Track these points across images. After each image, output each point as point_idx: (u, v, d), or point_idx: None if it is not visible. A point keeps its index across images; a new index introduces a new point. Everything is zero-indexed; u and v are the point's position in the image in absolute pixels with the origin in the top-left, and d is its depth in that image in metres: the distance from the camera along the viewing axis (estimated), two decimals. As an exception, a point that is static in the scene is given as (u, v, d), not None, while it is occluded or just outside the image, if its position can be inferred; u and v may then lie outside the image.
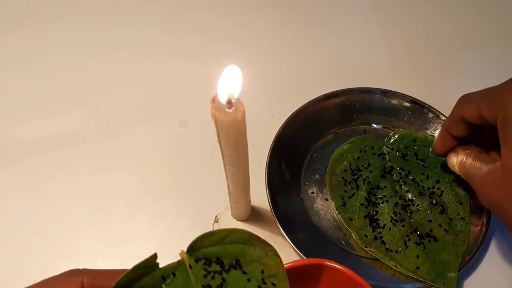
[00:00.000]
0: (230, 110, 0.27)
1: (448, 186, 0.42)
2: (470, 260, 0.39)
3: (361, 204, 0.42)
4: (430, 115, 0.47)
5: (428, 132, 0.47)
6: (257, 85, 0.51)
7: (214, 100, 0.27)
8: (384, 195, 0.43)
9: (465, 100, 0.37)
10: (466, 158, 0.37)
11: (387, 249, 0.40)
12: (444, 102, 0.50)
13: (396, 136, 0.46)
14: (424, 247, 0.40)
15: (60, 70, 0.54)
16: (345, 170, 0.44)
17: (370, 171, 0.44)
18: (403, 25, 0.58)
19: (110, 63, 0.54)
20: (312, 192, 0.45)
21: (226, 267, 0.29)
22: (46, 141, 0.48)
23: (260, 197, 0.43)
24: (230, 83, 0.27)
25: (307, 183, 0.45)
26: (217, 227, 0.43)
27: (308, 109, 0.46)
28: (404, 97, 0.48)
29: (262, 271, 0.29)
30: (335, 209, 0.43)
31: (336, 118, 0.48)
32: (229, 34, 0.57)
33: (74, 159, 0.47)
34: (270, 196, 0.42)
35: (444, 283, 0.38)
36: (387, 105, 0.48)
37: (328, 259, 0.34)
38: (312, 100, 0.47)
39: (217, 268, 0.29)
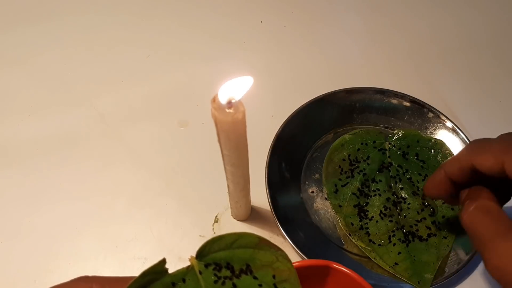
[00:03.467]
0: (230, 110, 0.27)
1: None
2: (461, 268, 0.39)
3: (353, 193, 0.43)
4: (430, 115, 0.47)
5: (428, 132, 0.47)
6: (257, 85, 0.51)
7: (214, 100, 0.27)
8: (377, 189, 0.43)
9: (480, 149, 0.32)
10: (473, 208, 0.31)
11: (370, 240, 0.40)
12: (444, 102, 0.51)
13: (400, 134, 0.46)
14: (407, 245, 0.40)
15: (60, 70, 0.54)
16: (343, 160, 0.45)
17: (368, 164, 0.44)
18: (403, 25, 0.58)
19: (110, 63, 0.54)
20: (312, 192, 0.45)
21: (237, 272, 0.28)
22: (46, 141, 0.48)
23: (260, 197, 0.43)
24: (235, 88, 0.27)
25: (307, 183, 0.45)
26: (217, 227, 0.43)
27: (308, 109, 0.46)
28: (404, 96, 0.48)
29: (274, 276, 0.29)
30: (326, 195, 0.43)
31: (336, 118, 0.48)
32: (229, 34, 0.57)
33: (74, 159, 0.47)
34: (270, 196, 0.42)
35: (419, 283, 0.38)
36: (387, 105, 0.48)
37: (328, 259, 0.34)
38: (312, 100, 0.47)
39: (228, 273, 0.28)
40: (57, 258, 0.42)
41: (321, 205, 0.44)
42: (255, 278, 0.28)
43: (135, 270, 0.41)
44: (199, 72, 0.53)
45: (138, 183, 0.46)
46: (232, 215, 0.43)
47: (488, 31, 0.57)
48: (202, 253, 0.28)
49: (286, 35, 0.57)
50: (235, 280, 0.28)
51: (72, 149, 0.48)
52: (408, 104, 0.48)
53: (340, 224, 0.41)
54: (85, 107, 0.51)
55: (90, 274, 0.41)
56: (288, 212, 0.42)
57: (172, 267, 0.43)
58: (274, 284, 0.28)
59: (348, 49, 0.56)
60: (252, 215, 0.44)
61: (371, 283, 0.33)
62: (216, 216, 0.44)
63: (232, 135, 0.29)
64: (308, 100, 0.47)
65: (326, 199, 0.44)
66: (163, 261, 0.27)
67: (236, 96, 0.27)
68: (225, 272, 0.28)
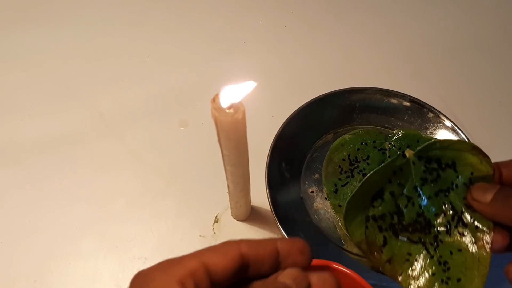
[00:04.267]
0: (230, 111, 0.27)
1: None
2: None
3: None
4: (430, 115, 0.47)
5: (428, 132, 0.47)
6: (257, 85, 0.51)
7: (214, 100, 0.27)
8: None
9: None
10: None
11: None
12: (444, 102, 0.51)
13: (400, 134, 0.46)
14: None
15: (60, 70, 0.54)
16: (343, 160, 0.45)
17: (368, 164, 0.44)
18: (403, 25, 0.58)
19: (110, 63, 0.54)
20: (312, 192, 0.45)
21: (443, 166, 0.35)
22: (46, 141, 0.48)
23: (260, 197, 0.43)
24: (236, 92, 0.27)
25: (307, 183, 0.45)
26: (217, 227, 0.43)
27: (308, 109, 0.46)
28: (404, 96, 0.48)
29: (472, 173, 0.34)
30: (326, 195, 0.43)
31: (336, 118, 0.48)
32: (229, 34, 0.57)
33: (74, 158, 0.47)
34: (270, 196, 0.42)
35: None
36: (387, 105, 0.48)
37: (328, 259, 0.34)
38: (312, 100, 0.47)
39: (435, 166, 0.36)
40: (57, 258, 0.42)
41: (321, 205, 0.44)
42: (455, 171, 0.35)
43: (135, 270, 0.41)
44: (199, 72, 0.53)
45: (138, 183, 0.46)
46: (232, 215, 0.43)
47: (488, 31, 0.57)
48: (419, 152, 0.36)
49: (286, 35, 0.57)
50: (440, 171, 0.35)
51: (72, 149, 0.48)
52: (408, 104, 0.47)
53: (340, 224, 0.41)
54: (85, 107, 0.51)
55: (90, 274, 0.41)
56: (288, 212, 0.42)
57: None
58: (470, 179, 0.34)
59: (348, 49, 0.56)
60: (252, 215, 0.44)
61: (372, 283, 0.33)
62: (216, 216, 0.44)
63: (232, 135, 0.29)
64: (308, 100, 0.47)
65: (326, 199, 0.44)
66: (400, 157, 0.36)
67: (237, 99, 0.27)
68: (433, 165, 0.36)
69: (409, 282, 0.34)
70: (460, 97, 0.51)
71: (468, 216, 0.34)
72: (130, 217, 0.44)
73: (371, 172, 0.35)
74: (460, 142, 0.37)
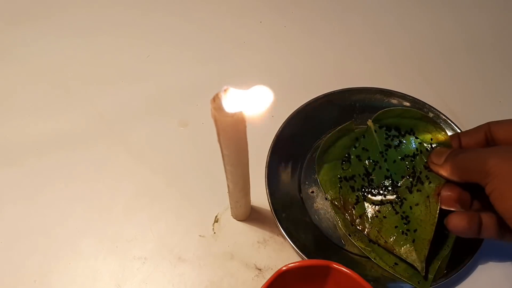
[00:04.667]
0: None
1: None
2: (461, 269, 0.39)
3: None
4: (430, 115, 0.47)
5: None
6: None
7: (214, 100, 0.27)
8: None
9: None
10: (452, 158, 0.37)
11: (370, 240, 0.40)
12: (444, 102, 0.51)
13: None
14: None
15: (60, 70, 0.54)
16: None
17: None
18: (403, 25, 0.58)
19: (110, 62, 0.54)
20: (312, 192, 0.45)
21: (403, 133, 0.41)
22: (46, 141, 0.48)
23: (260, 197, 0.43)
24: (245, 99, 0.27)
25: (307, 183, 0.45)
26: (217, 227, 0.43)
27: (308, 109, 0.46)
28: (404, 97, 0.48)
29: (431, 139, 0.40)
30: (326, 196, 0.43)
31: (336, 118, 0.48)
32: (229, 34, 0.57)
33: (74, 158, 0.47)
34: (270, 196, 0.42)
35: (419, 283, 0.38)
36: (387, 105, 0.48)
37: (328, 259, 0.34)
38: (312, 100, 0.47)
39: (395, 133, 0.41)
40: (57, 258, 0.42)
41: (321, 205, 0.44)
42: (416, 138, 0.41)
43: (135, 270, 0.41)
44: (199, 72, 0.53)
45: (138, 183, 0.46)
46: (232, 215, 0.43)
47: (489, 31, 0.57)
48: (376, 119, 0.41)
49: (286, 35, 0.57)
50: (401, 138, 0.41)
51: (72, 149, 0.48)
52: (408, 104, 0.47)
53: (339, 224, 0.41)
54: (85, 107, 0.51)
55: (90, 274, 0.41)
56: (288, 212, 0.42)
57: (172, 267, 0.43)
58: (431, 144, 0.40)
59: (348, 49, 0.56)
60: (252, 215, 0.44)
61: (371, 283, 0.33)
62: (216, 216, 0.44)
63: (232, 135, 0.29)
64: (308, 100, 0.47)
65: (326, 199, 0.44)
66: (352, 123, 0.42)
67: (243, 108, 0.27)
68: (394, 133, 0.41)
69: (375, 234, 0.39)
70: (460, 97, 0.51)
71: (424, 176, 0.40)
72: (130, 217, 0.44)
73: (329, 135, 0.42)
74: (410, 110, 0.41)
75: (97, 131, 0.49)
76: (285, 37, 0.57)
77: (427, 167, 0.40)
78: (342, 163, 0.42)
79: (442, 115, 0.46)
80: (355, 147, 0.42)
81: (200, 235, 0.43)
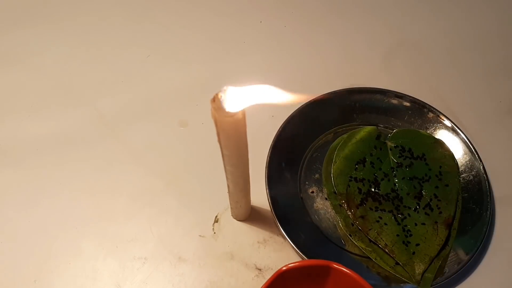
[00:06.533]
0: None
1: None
2: (461, 269, 0.39)
3: None
4: (430, 115, 0.47)
5: (428, 132, 0.47)
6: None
7: (214, 100, 0.27)
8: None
9: None
10: None
11: (370, 240, 0.40)
12: (444, 102, 0.51)
13: (399, 133, 0.46)
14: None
15: (60, 70, 0.54)
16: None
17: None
18: (404, 25, 0.58)
19: (110, 63, 0.54)
20: (312, 192, 0.45)
21: (415, 156, 0.44)
22: (46, 141, 0.48)
23: (260, 197, 0.43)
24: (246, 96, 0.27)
25: (307, 183, 0.45)
26: (217, 227, 0.43)
27: (308, 109, 0.46)
28: (404, 97, 0.48)
29: (440, 167, 0.43)
30: (326, 195, 0.43)
31: (336, 118, 0.48)
32: (229, 34, 0.57)
33: (74, 158, 0.47)
34: (270, 196, 0.42)
35: (419, 283, 0.38)
36: (387, 105, 0.48)
37: (328, 259, 0.34)
38: (312, 100, 0.47)
39: (408, 155, 0.44)
40: (57, 258, 0.42)
41: (321, 205, 0.44)
42: (426, 164, 0.43)
43: (135, 270, 0.41)
44: (199, 72, 0.53)
45: (138, 183, 0.46)
46: (232, 215, 0.43)
47: (489, 31, 0.57)
48: (393, 137, 0.45)
49: (286, 35, 0.57)
50: (413, 160, 0.44)
51: (72, 149, 0.48)
52: (408, 104, 0.48)
53: (340, 224, 0.41)
54: (85, 107, 0.51)
55: (90, 274, 0.41)
56: (288, 212, 0.42)
57: (172, 267, 0.43)
58: (440, 172, 0.43)
59: (348, 49, 0.56)
60: (252, 215, 0.44)
61: (372, 283, 0.33)
62: (216, 216, 0.44)
63: (232, 135, 0.29)
64: (308, 100, 0.47)
65: (326, 199, 0.44)
66: (376, 129, 0.46)
67: (244, 106, 0.27)
68: (407, 154, 0.44)
69: (376, 236, 0.40)
70: (460, 97, 0.51)
71: (435, 205, 0.41)
72: (130, 217, 0.44)
73: (354, 140, 0.45)
74: (425, 134, 0.45)
75: (97, 131, 0.49)
76: (285, 37, 0.57)
77: (437, 196, 0.42)
78: (356, 164, 0.44)
79: (442, 115, 0.46)
80: (371, 155, 0.44)
81: (200, 235, 0.43)
